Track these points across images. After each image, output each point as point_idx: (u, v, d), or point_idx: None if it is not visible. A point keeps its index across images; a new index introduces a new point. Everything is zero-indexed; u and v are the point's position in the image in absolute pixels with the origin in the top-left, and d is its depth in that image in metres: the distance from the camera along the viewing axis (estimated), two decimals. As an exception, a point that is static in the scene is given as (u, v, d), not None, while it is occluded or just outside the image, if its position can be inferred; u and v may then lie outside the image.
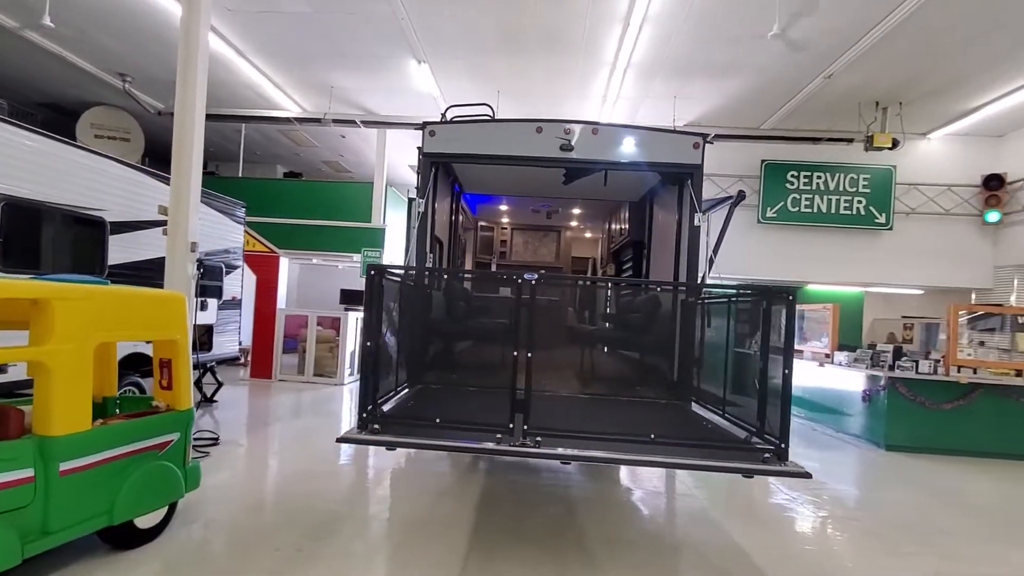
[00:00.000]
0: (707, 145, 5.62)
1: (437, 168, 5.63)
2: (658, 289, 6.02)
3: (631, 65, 9.06)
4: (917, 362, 8.01)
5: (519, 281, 3.36)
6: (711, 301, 4.66)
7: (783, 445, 3.22)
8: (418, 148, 5.95)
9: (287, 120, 10.68)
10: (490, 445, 3.24)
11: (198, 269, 5.68)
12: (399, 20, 8.03)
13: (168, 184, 5.79)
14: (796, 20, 7.43)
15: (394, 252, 12.05)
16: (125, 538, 3.43)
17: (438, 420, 3.28)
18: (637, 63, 9.00)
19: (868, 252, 11.38)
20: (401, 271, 4.62)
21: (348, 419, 8.13)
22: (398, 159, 14.28)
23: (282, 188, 12.39)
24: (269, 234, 10.74)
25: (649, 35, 8.20)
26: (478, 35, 8.48)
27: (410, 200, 8.41)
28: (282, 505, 4.47)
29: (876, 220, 11.28)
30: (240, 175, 13.11)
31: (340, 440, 3.20)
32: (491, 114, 6.00)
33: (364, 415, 3.26)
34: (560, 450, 3.20)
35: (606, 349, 6.38)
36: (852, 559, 4.11)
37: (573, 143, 5.50)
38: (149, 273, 6.09)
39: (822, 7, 7.25)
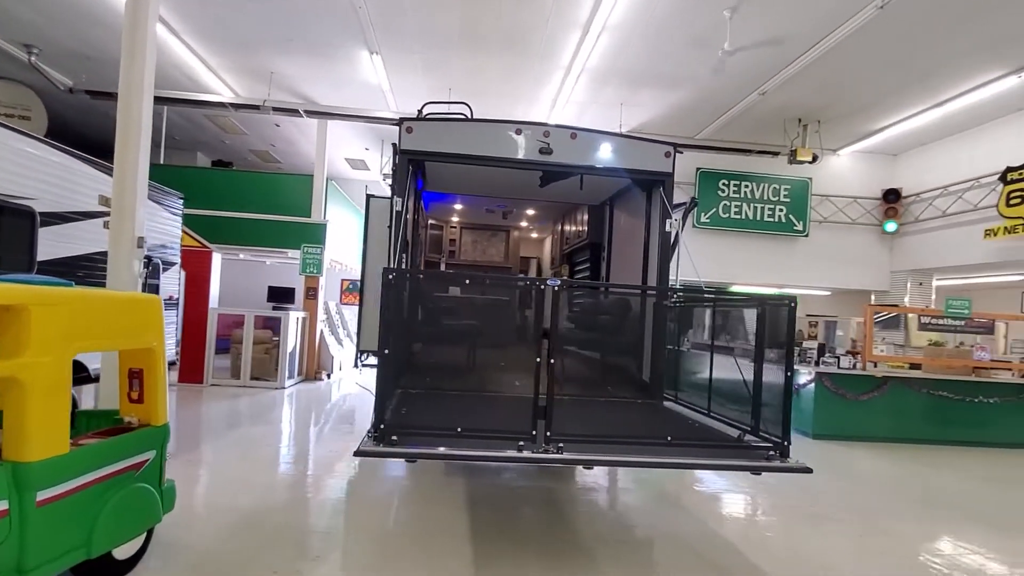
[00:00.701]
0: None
1: (413, 166, 5.42)
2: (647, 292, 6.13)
3: (585, 71, 9.21)
4: (839, 358, 8.75)
5: (542, 287, 3.30)
6: (710, 305, 4.77)
7: (786, 443, 3.39)
8: (393, 145, 5.72)
9: (221, 105, 9.90)
10: (513, 453, 3.17)
11: (145, 266, 5.12)
12: (357, 9, 7.67)
13: (106, 172, 5.19)
14: (745, 39, 7.85)
15: (336, 249, 11.54)
16: (101, 571, 3.04)
17: (459, 429, 3.15)
18: (591, 69, 9.16)
19: (787, 256, 12.29)
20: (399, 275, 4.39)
21: (305, 425, 7.68)
22: (334, 153, 13.69)
23: (212, 178, 11.46)
24: (198, 227, 9.90)
25: (606, 43, 8.36)
26: (438, 31, 8.27)
27: (368, 197, 8.02)
28: (260, 523, 4.14)
29: (795, 227, 12.20)
30: (161, 162, 12.00)
31: (358, 454, 3.00)
32: (468, 114, 5.87)
33: (382, 426, 3.08)
34: (585, 456, 3.19)
35: (583, 351, 6.44)
36: (785, 533, 4.43)
37: (552, 146, 5.50)
38: (84, 270, 5.42)
39: (765, 29, 7.73)
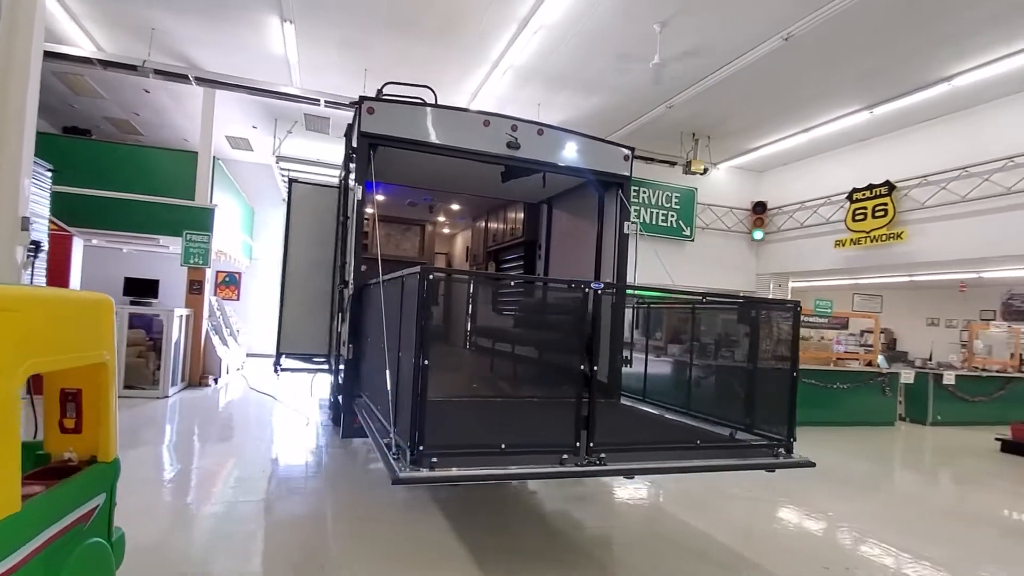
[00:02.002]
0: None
1: (374, 151, 4.86)
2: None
3: (512, 68, 9.04)
4: (734, 352, 9.53)
5: (586, 290, 3.08)
6: (710, 308, 4.79)
7: (792, 439, 3.53)
8: (349, 125, 5.10)
9: (87, 61, 8.17)
10: (554, 468, 2.92)
11: (31, 253, 4.00)
12: (278, -31, 6.75)
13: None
14: (668, 54, 8.20)
15: (226, 238, 10.16)
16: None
17: (504, 446, 2.82)
18: (519, 66, 9.01)
19: (677, 259, 13.18)
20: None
21: (212, 445, 6.56)
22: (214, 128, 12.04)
23: (71, 149, 9.40)
24: (55, 207, 8.07)
25: (538, 42, 8.26)
26: (365, 7, 7.57)
27: (291, 182, 7.10)
28: (218, 566, 3.40)
29: (683, 232, 13.14)
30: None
31: (398, 482, 2.55)
32: (433, 98, 5.41)
33: (421, 448, 2.65)
34: (627, 465, 3.03)
35: (536, 350, 6.26)
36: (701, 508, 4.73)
37: (520, 141, 5.27)
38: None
39: (686, 46, 8.16)
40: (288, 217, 6.87)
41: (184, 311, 9.09)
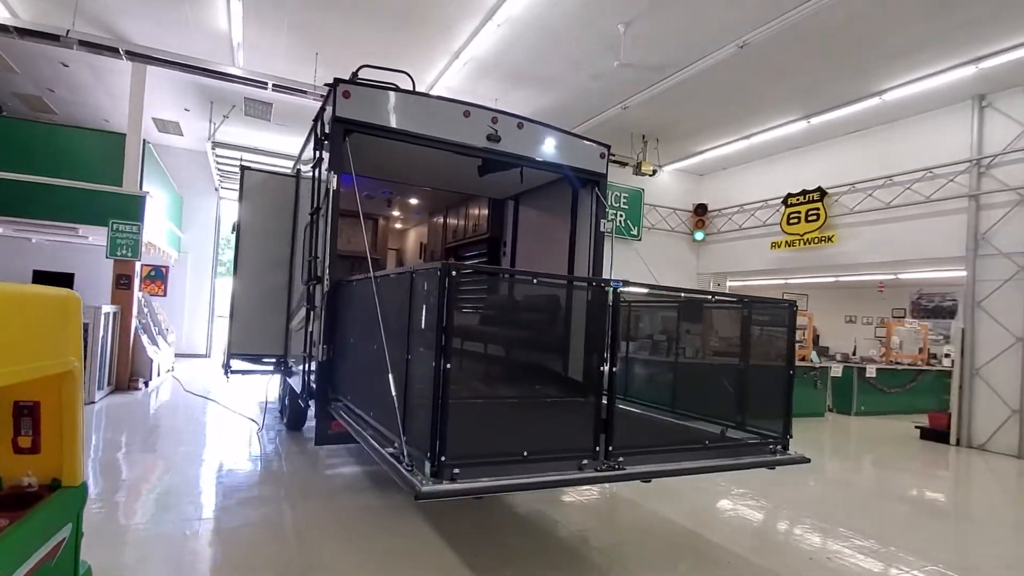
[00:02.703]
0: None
1: (348, 138, 4.51)
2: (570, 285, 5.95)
3: (473, 60, 8.80)
4: (685, 348, 9.78)
5: (606, 288, 2.95)
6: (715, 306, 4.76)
7: (789, 436, 3.58)
8: (322, 108, 4.72)
9: (3, 28, 7.16)
10: (576, 474, 2.78)
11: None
12: (230, -62, 6.19)
13: None
14: (630, 55, 8.25)
15: (153, 228, 9.31)
16: None
17: (526, 453, 2.65)
18: (479, 59, 8.79)
19: (625, 258, 13.36)
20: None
21: (159, 445, 5.91)
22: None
23: None
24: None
25: (502, 35, 8.08)
26: (325, -13, 7.11)
27: (243, 169, 6.51)
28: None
29: (631, 232, 13.38)
30: None
31: (421, 497, 2.31)
32: (410, 85, 5.10)
33: (443, 458, 2.43)
34: (645, 468, 2.94)
35: (523, 351, 6.08)
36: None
37: (500, 134, 5.09)
38: None
39: (647, 48, 8.24)
40: (240, 207, 6.32)
41: (111, 308, 8.21)
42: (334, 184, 4.40)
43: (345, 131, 4.48)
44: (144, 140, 9.14)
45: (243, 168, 6.32)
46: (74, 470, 2.28)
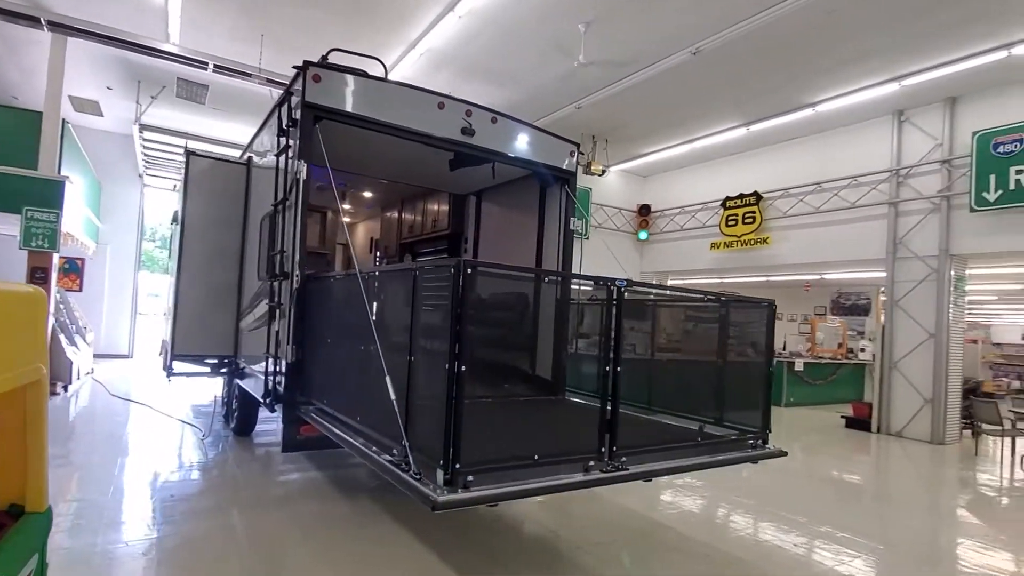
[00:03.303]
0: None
1: (318, 125, 4.23)
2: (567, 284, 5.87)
3: (429, 51, 8.57)
4: (634, 345, 10.00)
5: (610, 287, 2.90)
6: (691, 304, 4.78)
7: (768, 431, 3.69)
8: (289, 92, 4.40)
9: None
10: (580, 476, 2.72)
11: None
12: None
13: None
14: (590, 54, 8.30)
15: (69, 217, 8.44)
16: None
17: (536, 456, 2.55)
18: (435, 50, 8.57)
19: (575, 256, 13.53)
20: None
21: (94, 456, 5.29)
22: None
23: None
24: None
25: (461, 27, 7.91)
26: (277, -36, 6.67)
27: (189, 154, 5.95)
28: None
29: (579, 231, 13.50)
30: None
31: (439, 508, 2.17)
32: (383, 73, 4.86)
33: (457, 466, 2.29)
34: (647, 467, 2.92)
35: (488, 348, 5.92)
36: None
37: (474, 127, 4.95)
38: None
39: (605, 49, 8.33)
40: (184, 196, 5.80)
41: None
42: (303, 174, 4.11)
43: (315, 117, 4.20)
44: (63, 120, 8.26)
45: (189, 153, 5.80)
46: (40, 494, 1.98)
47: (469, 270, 2.32)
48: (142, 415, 7.36)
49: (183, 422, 7.01)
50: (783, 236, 11.84)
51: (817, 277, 14.49)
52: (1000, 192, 8.70)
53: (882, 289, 15.91)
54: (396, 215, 8.77)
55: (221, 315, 5.91)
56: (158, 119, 11.39)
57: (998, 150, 8.74)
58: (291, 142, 4.28)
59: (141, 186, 13.48)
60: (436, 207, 7.67)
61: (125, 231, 13.36)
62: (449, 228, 7.32)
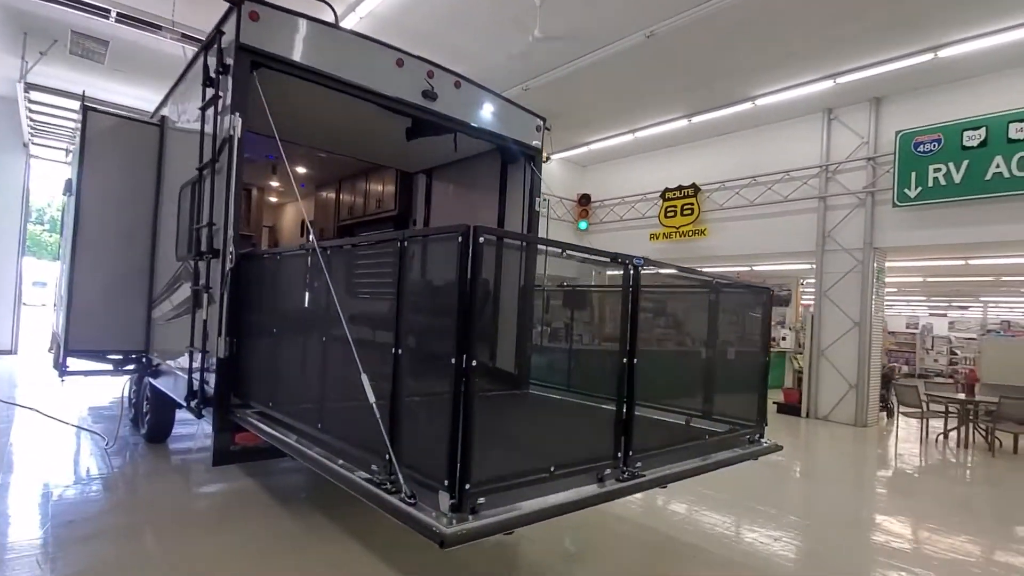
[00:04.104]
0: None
1: (256, 72, 3.49)
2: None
3: (372, 15, 7.79)
4: (583, 335, 9.75)
5: (627, 264, 2.45)
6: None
7: (764, 424, 3.42)
8: (219, 32, 3.60)
9: None
10: (594, 488, 2.27)
11: None
12: None
13: None
14: (547, 29, 7.84)
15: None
16: None
17: (553, 468, 2.07)
18: (378, 16, 7.81)
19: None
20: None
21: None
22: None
23: None
24: None
25: (409, -9, 7.22)
26: None
27: (86, 109, 4.88)
28: None
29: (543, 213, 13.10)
30: None
31: (450, 543, 1.65)
32: (333, 19, 4.15)
33: (468, 486, 1.77)
34: (665, 471, 2.52)
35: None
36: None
37: (437, 91, 4.37)
38: None
39: (558, 27, 7.91)
40: (80, 162, 4.77)
41: None
42: (238, 129, 3.37)
43: (252, 63, 3.46)
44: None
45: (86, 109, 4.76)
46: None
47: (481, 238, 1.80)
48: (29, 421, 6.17)
49: (81, 428, 5.93)
50: (720, 228, 12.00)
51: (747, 268, 14.94)
52: (920, 189, 9.14)
53: (802, 281, 16.80)
54: (333, 195, 7.95)
55: (128, 303, 4.96)
56: (46, 79, 9.76)
57: (919, 149, 9.16)
58: (221, 93, 3.51)
59: (26, 156, 11.59)
60: (381, 187, 6.97)
61: (5, 209, 11.47)
62: (396, 209, 6.66)
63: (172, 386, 4.25)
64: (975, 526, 4.71)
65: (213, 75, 3.58)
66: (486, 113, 4.76)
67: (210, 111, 3.64)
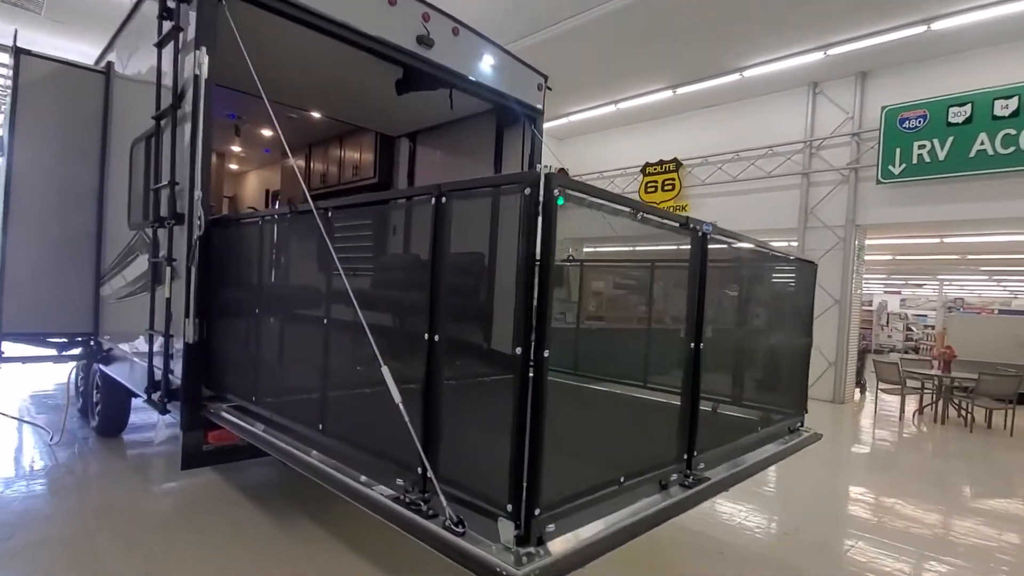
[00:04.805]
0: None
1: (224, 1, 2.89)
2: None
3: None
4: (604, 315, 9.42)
5: (697, 230, 2.05)
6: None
7: (805, 411, 3.13)
8: (176, -48, 2.96)
9: None
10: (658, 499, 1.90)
11: None
12: None
13: None
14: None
15: None
16: None
17: (623, 480, 1.68)
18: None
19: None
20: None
21: None
22: None
23: None
24: None
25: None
26: None
27: (18, 52, 4.10)
28: None
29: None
30: None
31: (522, 589, 1.25)
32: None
33: (538, 511, 1.36)
34: (729, 472, 2.17)
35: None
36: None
37: (433, 37, 3.83)
38: None
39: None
40: (12, 116, 4.03)
41: None
42: (204, 68, 2.78)
43: (219, -4, 2.86)
44: None
45: (19, 51, 4.00)
46: None
47: (556, 190, 1.36)
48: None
49: (21, 420, 5.25)
50: (701, 204, 11.77)
51: (727, 245, 14.86)
52: (904, 166, 9.06)
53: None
54: (303, 163, 7.27)
55: (71, 279, 4.30)
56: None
57: (904, 125, 9.06)
58: (183, 24, 2.91)
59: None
60: (358, 153, 6.36)
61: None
62: (376, 177, 6.08)
63: (128, 374, 3.67)
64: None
65: (171, 4, 2.96)
66: (486, 66, 4.24)
67: (168, 49, 3.03)
